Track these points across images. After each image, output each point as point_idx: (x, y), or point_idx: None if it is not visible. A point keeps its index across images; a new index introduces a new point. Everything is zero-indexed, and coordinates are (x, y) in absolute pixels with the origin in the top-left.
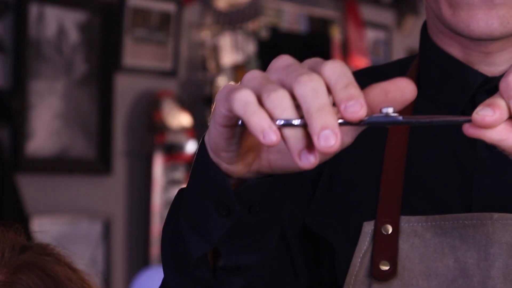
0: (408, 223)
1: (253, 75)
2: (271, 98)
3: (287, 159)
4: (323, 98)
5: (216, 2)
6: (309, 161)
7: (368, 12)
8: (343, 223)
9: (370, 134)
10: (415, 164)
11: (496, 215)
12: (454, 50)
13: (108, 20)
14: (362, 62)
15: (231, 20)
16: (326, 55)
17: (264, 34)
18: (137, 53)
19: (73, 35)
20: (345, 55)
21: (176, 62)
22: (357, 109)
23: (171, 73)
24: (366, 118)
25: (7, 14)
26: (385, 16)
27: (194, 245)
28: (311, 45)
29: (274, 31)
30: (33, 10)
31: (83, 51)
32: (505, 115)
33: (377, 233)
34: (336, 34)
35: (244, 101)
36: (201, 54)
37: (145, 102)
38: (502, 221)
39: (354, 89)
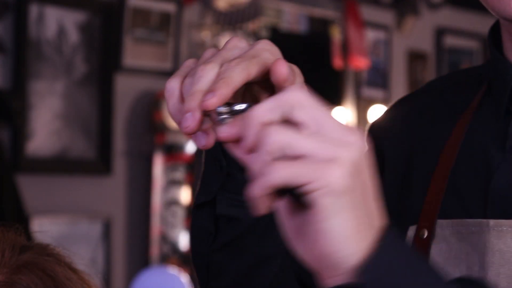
0: (440, 227)
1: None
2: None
3: None
4: (198, 86)
5: (216, 2)
6: (200, 142)
7: (368, 12)
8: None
9: (433, 136)
10: (457, 165)
11: (492, 222)
12: None
13: (108, 20)
14: (362, 62)
15: (231, 20)
16: (326, 55)
17: (264, 34)
18: (137, 53)
19: (73, 35)
20: (345, 55)
21: (176, 62)
22: (208, 98)
23: (171, 73)
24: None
25: (7, 14)
26: (385, 16)
27: (199, 194)
28: (311, 45)
29: (274, 31)
30: (33, 10)
31: (83, 51)
32: None
33: (415, 238)
34: (336, 34)
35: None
36: (201, 54)
37: (145, 102)
38: (496, 228)
39: (222, 81)
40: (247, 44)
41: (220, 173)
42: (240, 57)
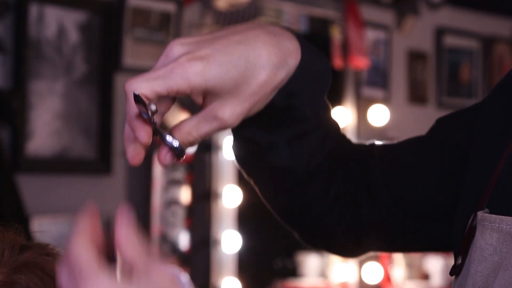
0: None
1: None
2: None
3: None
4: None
5: (216, 2)
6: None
7: (368, 12)
8: (459, 214)
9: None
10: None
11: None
12: None
13: (108, 20)
14: (362, 62)
15: (231, 20)
16: (326, 55)
17: None
18: (137, 53)
19: (73, 35)
20: (345, 55)
21: None
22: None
23: None
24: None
25: (7, 14)
26: (385, 16)
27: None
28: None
29: None
30: (33, 10)
31: (83, 51)
32: None
33: (468, 227)
34: (336, 34)
35: None
36: None
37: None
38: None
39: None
40: (174, 56)
41: None
42: (147, 77)
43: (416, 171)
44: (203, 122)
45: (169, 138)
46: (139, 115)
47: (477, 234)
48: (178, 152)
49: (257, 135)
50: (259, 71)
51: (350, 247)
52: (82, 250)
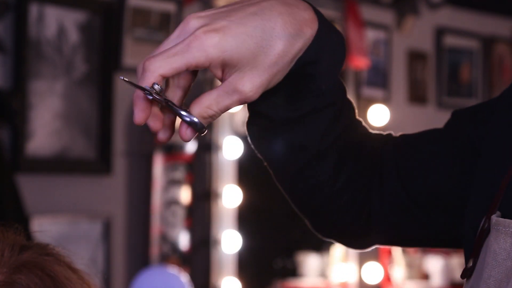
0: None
1: None
2: None
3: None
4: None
5: (216, 2)
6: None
7: (368, 12)
8: (469, 215)
9: None
10: None
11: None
12: None
13: (108, 20)
14: (362, 62)
15: None
16: None
17: None
18: (137, 53)
19: (73, 35)
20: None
21: None
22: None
23: None
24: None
25: (7, 14)
26: (385, 16)
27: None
28: None
29: None
30: (33, 10)
31: (83, 51)
32: None
33: (480, 230)
34: None
35: None
36: None
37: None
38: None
39: (148, 62)
40: (192, 28)
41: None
42: (163, 53)
43: (429, 162)
44: (223, 96)
45: (184, 113)
46: (145, 97)
47: (491, 238)
48: (198, 127)
49: (272, 110)
50: (276, 41)
51: (358, 236)
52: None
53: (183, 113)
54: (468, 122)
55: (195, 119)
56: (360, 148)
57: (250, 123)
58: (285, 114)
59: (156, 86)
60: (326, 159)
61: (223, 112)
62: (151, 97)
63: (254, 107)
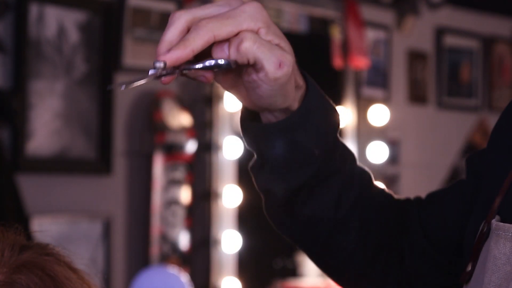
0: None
1: None
2: None
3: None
4: (166, 36)
5: (216, 2)
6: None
7: (368, 12)
8: (470, 221)
9: None
10: None
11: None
12: None
13: (108, 20)
14: (362, 62)
15: None
16: (326, 55)
17: None
18: (137, 53)
19: (73, 35)
20: (345, 55)
21: None
22: (162, 55)
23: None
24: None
25: (7, 14)
26: (385, 16)
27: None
28: (311, 45)
29: None
30: (33, 10)
31: (83, 51)
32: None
33: (478, 234)
34: (336, 34)
35: None
36: None
37: (145, 102)
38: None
39: (181, 43)
40: (238, 2)
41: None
42: (213, 17)
43: (450, 210)
44: (266, 46)
45: (211, 61)
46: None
47: (492, 243)
48: (226, 66)
49: (273, 184)
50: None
51: None
52: None
53: (209, 62)
54: (479, 167)
55: (222, 61)
56: (381, 211)
57: (266, 204)
58: (286, 185)
59: (157, 64)
60: (347, 228)
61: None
62: (162, 75)
63: (257, 183)
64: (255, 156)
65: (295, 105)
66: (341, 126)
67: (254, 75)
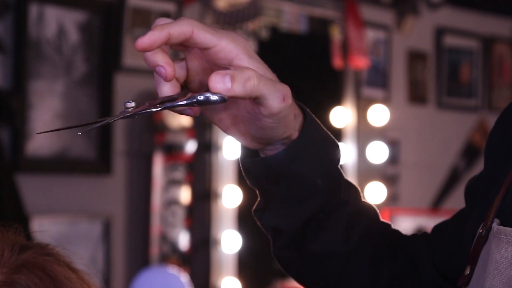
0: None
1: None
2: None
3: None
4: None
5: (216, 2)
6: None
7: (368, 12)
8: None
9: None
10: None
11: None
12: None
13: (108, 20)
14: (362, 62)
15: (231, 20)
16: (326, 55)
17: (264, 34)
18: (137, 53)
19: (73, 35)
20: (345, 55)
21: None
22: (139, 39)
23: None
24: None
25: (7, 14)
26: (385, 16)
27: (258, 202)
28: (311, 45)
29: (274, 31)
30: (33, 10)
31: (83, 51)
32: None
33: (477, 237)
34: (336, 34)
35: None
36: None
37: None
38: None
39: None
40: None
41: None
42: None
43: (454, 240)
44: (266, 81)
45: (201, 97)
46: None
47: (492, 247)
48: (220, 100)
49: (280, 221)
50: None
51: None
52: None
53: (199, 97)
54: (476, 194)
55: (215, 97)
56: (390, 243)
57: (274, 245)
58: (292, 221)
59: (128, 104)
60: (359, 259)
61: (247, 95)
62: (137, 113)
63: (263, 223)
64: (259, 197)
65: (295, 134)
66: (342, 159)
67: (256, 109)
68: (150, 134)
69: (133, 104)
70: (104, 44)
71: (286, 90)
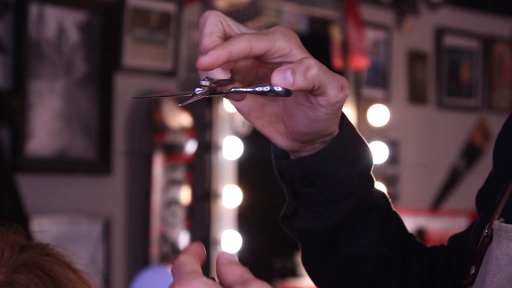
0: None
1: None
2: None
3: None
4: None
5: (216, 2)
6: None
7: (368, 12)
8: (477, 225)
9: None
10: None
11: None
12: None
13: (108, 20)
14: (362, 62)
15: None
16: (326, 55)
17: None
18: (137, 53)
19: (73, 35)
20: (345, 55)
21: (176, 62)
22: (201, 58)
23: (171, 73)
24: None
25: (7, 14)
26: (385, 16)
27: (286, 207)
28: (311, 45)
29: None
30: (33, 10)
31: (83, 51)
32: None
33: (482, 237)
34: (336, 34)
35: None
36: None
37: (145, 102)
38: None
39: (219, 46)
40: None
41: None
42: (248, 32)
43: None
44: (326, 74)
45: (267, 88)
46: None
47: (494, 244)
48: (284, 93)
49: (313, 223)
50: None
51: None
52: (187, 258)
53: (262, 87)
54: (486, 200)
55: (279, 88)
56: (420, 254)
57: (304, 251)
58: (328, 221)
59: (203, 82)
60: (391, 267)
61: (310, 85)
62: (207, 94)
63: (294, 227)
64: (288, 201)
65: (336, 131)
66: (374, 160)
67: (312, 99)
68: (150, 134)
69: (207, 83)
70: (104, 44)
71: (343, 80)
